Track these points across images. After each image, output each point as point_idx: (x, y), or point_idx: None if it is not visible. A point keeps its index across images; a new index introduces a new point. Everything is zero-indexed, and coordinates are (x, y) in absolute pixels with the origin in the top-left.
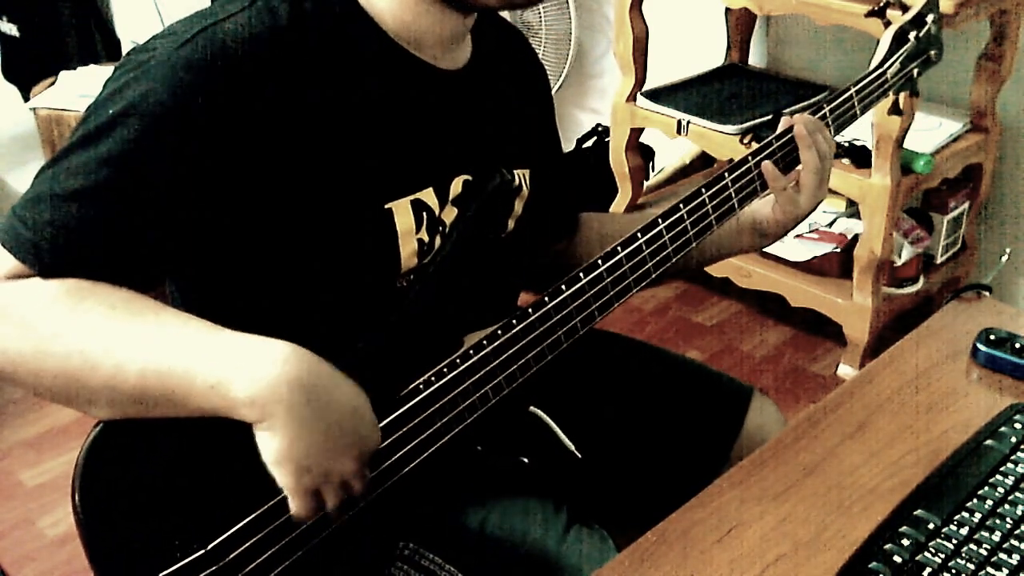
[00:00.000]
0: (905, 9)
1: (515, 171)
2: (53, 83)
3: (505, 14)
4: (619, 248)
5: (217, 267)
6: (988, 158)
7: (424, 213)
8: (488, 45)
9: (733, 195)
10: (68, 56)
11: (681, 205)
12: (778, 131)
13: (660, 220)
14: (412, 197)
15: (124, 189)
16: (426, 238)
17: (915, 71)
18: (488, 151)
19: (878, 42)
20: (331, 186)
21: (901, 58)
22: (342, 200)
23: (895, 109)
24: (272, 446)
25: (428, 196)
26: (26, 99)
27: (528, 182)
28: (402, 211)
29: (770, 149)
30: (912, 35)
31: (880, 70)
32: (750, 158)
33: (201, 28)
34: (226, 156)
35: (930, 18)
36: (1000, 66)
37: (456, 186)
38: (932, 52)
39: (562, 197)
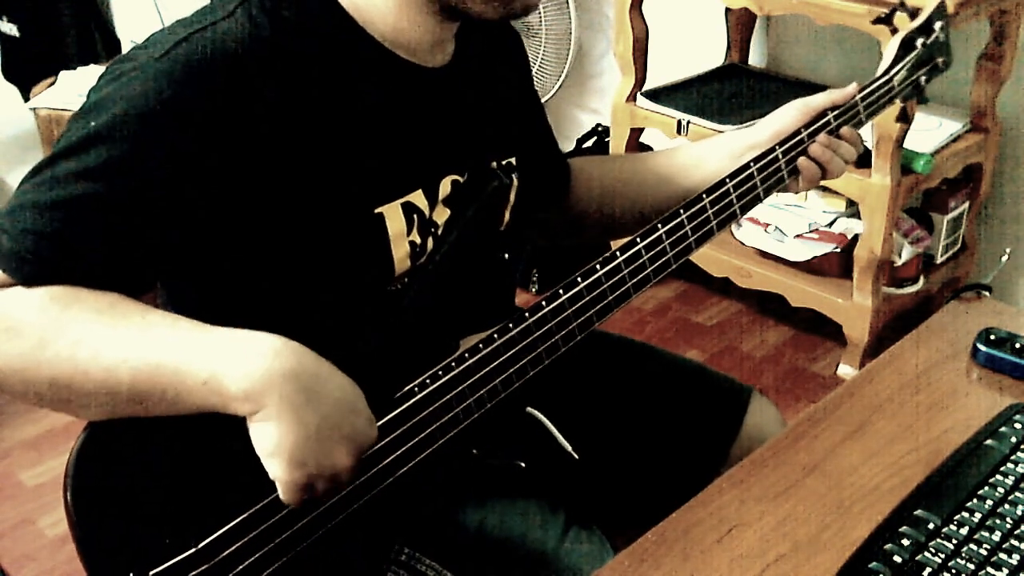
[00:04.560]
0: (913, 15)
1: (504, 162)
2: (53, 83)
3: None
4: (618, 253)
5: (208, 272)
6: (988, 158)
7: (415, 215)
8: (468, 37)
9: (735, 201)
10: (68, 56)
11: (681, 210)
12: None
13: (660, 225)
14: (402, 200)
15: (106, 199)
16: (418, 240)
17: (922, 79)
18: (475, 147)
19: (879, 43)
20: (320, 192)
21: (908, 65)
22: (332, 206)
23: (903, 116)
24: (266, 438)
25: (418, 198)
26: (26, 99)
27: (516, 169)
28: (393, 214)
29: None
30: (920, 42)
31: (886, 77)
32: (751, 163)
33: (182, 38)
34: (209, 165)
35: (938, 25)
36: (1000, 66)
37: (445, 187)
38: (940, 59)
39: (552, 170)
